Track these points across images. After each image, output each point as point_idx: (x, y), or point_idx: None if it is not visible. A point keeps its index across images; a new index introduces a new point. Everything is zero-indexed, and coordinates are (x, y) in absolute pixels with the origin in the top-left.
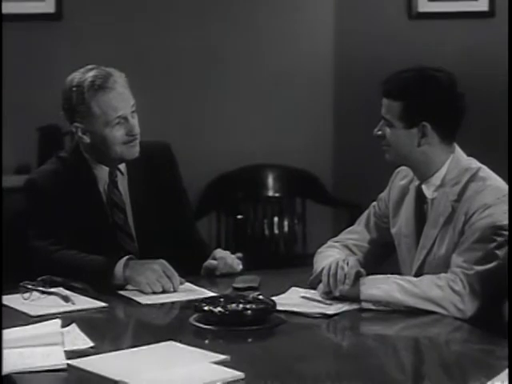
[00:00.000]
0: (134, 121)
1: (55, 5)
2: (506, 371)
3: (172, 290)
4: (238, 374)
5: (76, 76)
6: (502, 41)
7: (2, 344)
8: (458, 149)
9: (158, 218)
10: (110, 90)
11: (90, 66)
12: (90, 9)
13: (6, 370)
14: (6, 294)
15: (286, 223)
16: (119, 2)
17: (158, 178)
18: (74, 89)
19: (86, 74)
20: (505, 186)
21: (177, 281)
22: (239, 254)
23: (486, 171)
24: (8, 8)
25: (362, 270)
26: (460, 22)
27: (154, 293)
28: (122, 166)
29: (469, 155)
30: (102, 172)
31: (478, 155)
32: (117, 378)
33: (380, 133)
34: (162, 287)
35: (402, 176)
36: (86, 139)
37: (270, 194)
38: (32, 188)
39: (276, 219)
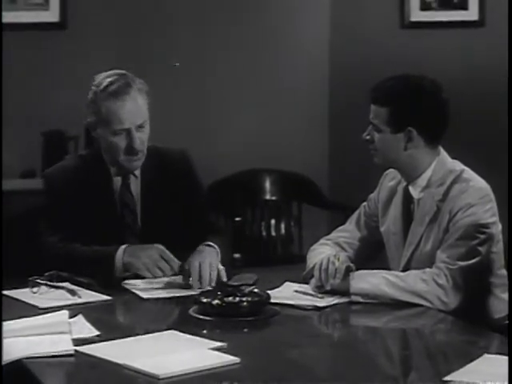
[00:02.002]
0: (140, 135)
1: (59, 14)
2: (484, 356)
3: (171, 273)
4: (234, 359)
5: (100, 76)
6: (492, 49)
7: (2, 335)
8: (442, 151)
9: (168, 221)
10: (120, 100)
11: (117, 71)
12: (94, 18)
13: (17, 356)
14: (16, 288)
15: (282, 226)
16: (123, 11)
17: (173, 183)
18: (93, 87)
19: (107, 78)
20: (487, 187)
21: (175, 264)
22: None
23: (469, 173)
24: (13, 17)
25: (351, 265)
26: (451, 31)
27: (156, 283)
28: (137, 170)
29: (453, 157)
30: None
31: (466, 157)
32: (121, 362)
33: (368, 137)
34: (161, 271)
35: (391, 178)
36: (98, 138)
37: (268, 197)
38: (48, 181)
39: (273, 222)
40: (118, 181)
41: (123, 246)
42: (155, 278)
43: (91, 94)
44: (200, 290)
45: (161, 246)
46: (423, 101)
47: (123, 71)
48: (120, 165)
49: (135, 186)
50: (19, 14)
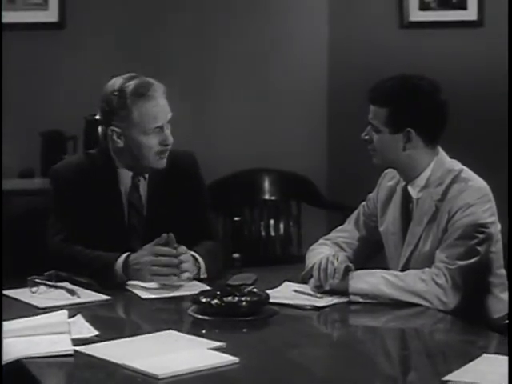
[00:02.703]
0: (168, 131)
1: (58, 14)
2: (483, 356)
3: (170, 261)
4: (233, 359)
5: (118, 81)
6: (491, 49)
7: (2, 335)
8: (441, 151)
9: (172, 223)
10: (151, 99)
11: (131, 74)
12: (93, 17)
13: (16, 356)
14: (15, 287)
15: (281, 225)
16: (121, 11)
17: (180, 186)
18: (116, 93)
19: (129, 81)
20: (485, 187)
21: (170, 251)
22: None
23: (468, 173)
24: (12, 17)
25: (350, 265)
26: (450, 31)
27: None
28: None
29: (452, 157)
30: (126, 175)
31: (464, 157)
32: (120, 362)
33: (367, 137)
34: (158, 267)
35: (390, 177)
36: (120, 143)
37: (267, 197)
38: (55, 177)
39: (272, 222)
40: (125, 182)
41: (123, 257)
42: (157, 289)
43: (116, 100)
44: (199, 290)
45: (152, 247)
46: (422, 101)
47: (133, 73)
48: (144, 165)
49: (143, 187)
50: (18, 14)
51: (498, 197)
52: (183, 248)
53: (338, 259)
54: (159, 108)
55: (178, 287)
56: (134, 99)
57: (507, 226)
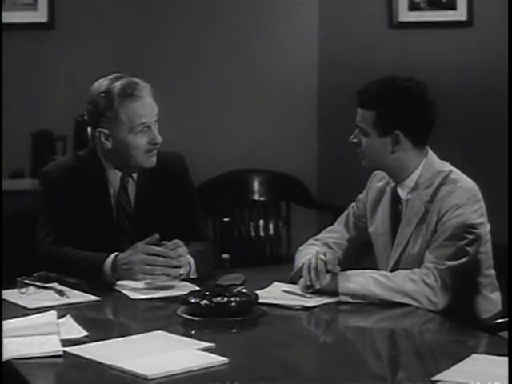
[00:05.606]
0: (156, 130)
1: (47, 14)
2: (472, 356)
3: (165, 263)
4: (222, 360)
5: (104, 83)
6: (480, 49)
7: (2, 334)
8: (430, 152)
9: (162, 227)
10: (138, 99)
11: (117, 75)
12: (82, 18)
13: (6, 356)
14: (4, 288)
15: (271, 226)
16: (111, 12)
17: (168, 187)
18: (103, 95)
19: (114, 82)
20: (475, 187)
21: (165, 253)
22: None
23: (457, 173)
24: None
25: (338, 267)
26: (439, 32)
27: (145, 283)
28: (134, 173)
29: (442, 158)
30: (114, 176)
31: (454, 157)
32: (109, 363)
33: (355, 140)
34: (153, 267)
35: (379, 178)
36: (108, 144)
37: (256, 197)
38: (45, 179)
39: (261, 222)
40: (114, 184)
41: (111, 257)
42: (147, 289)
43: (103, 102)
44: (189, 290)
45: (144, 246)
46: (409, 103)
47: (119, 73)
48: (133, 165)
49: (132, 188)
50: (7, 15)
51: (487, 198)
52: (178, 242)
53: (325, 255)
54: (146, 107)
55: (167, 287)
56: (121, 100)
57: (507, 226)
